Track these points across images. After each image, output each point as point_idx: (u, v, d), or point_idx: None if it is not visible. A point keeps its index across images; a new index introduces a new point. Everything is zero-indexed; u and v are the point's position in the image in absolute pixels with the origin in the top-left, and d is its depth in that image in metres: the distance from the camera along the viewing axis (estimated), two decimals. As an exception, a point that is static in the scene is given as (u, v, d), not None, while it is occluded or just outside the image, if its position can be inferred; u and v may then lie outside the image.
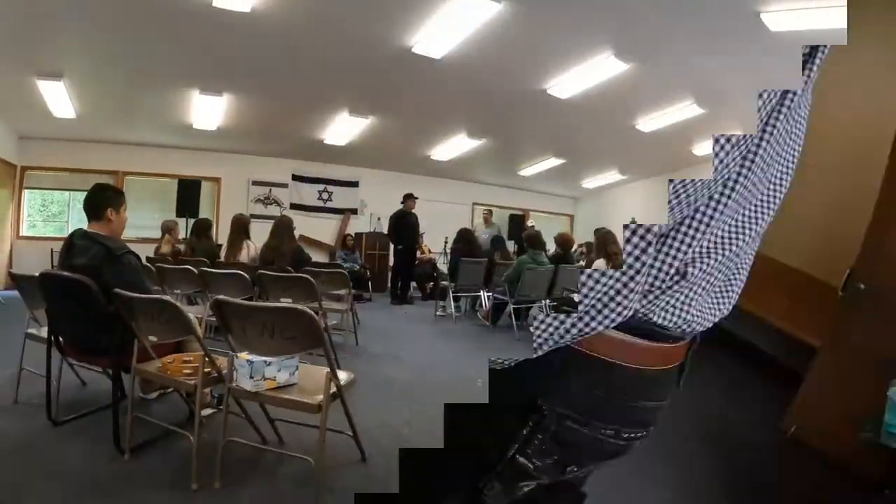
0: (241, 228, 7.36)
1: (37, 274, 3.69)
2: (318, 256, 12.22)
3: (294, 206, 14.01)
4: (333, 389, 2.80)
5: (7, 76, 9.20)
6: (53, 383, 3.76)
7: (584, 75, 8.94)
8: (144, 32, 7.91)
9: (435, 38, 7.88)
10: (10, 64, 8.81)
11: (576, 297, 5.72)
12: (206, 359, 2.97)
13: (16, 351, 4.22)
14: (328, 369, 2.77)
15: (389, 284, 11.69)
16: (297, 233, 7.29)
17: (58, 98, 9.90)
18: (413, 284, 12.25)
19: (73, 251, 3.52)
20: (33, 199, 12.75)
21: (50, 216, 13.02)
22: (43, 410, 3.73)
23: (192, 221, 9.48)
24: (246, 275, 5.52)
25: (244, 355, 2.91)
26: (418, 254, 12.27)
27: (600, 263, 7.01)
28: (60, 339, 3.70)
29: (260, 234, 7.46)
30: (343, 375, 2.95)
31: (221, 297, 2.83)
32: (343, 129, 12.04)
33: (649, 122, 11.19)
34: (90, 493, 2.87)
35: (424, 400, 4.70)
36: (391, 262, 11.97)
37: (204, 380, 3.00)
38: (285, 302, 5.14)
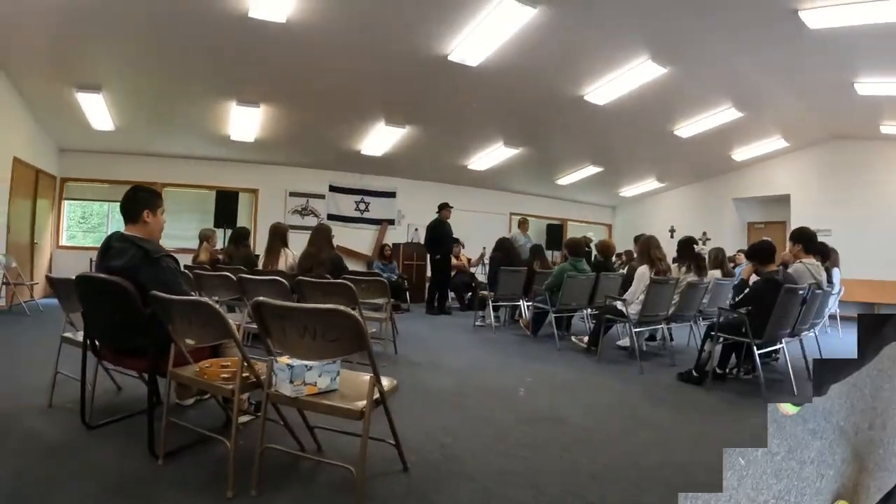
0: (279, 236, 7.30)
1: (72, 277, 3.63)
2: (355, 267, 12.21)
3: (331, 217, 14.01)
4: (376, 395, 2.69)
5: (48, 89, 9.39)
6: (88, 387, 3.71)
7: (621, 80, 8.89)
8: (181, 45, 8.03)
9: (471, 46, 7.85)
10: (50, 77, 8.99)
11: (618, 304, 5.59)
12: (245, 363, 2.86)
13: (52, 355, 4.20)
14: (371, 375, 2.66)
15: (426, 295, 11.56)
16: (335, 243, 7.18)
17: (97, 110, 10.06)
18: (451, 294, 12.16)
19: (109, 253, 3.46)
20: (73, 212, 12.96)
21: (90, 228, 13.19)
22: (77, 414, 3.69)
23: (230, 232, 9.46)
24: (284, 281, 5.44)
25: (284, 359, 2.81)
26: (454, 262, 12.12)
27: (644, 270, 6.82)
28: (96, 342, 3.64)
29: (297, 244, 7.39)
30: (385, 382, 2.83)
31: (261, 298, 2.71)
32: (379, 139, 12.03)
33: (687, 128, 11.12)
34: (121, 496, 2.80)
35: (466, 409, 4.58)
36: (429, 272, 11.82)
37: (242, 385, 2.90)
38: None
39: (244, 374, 2.90)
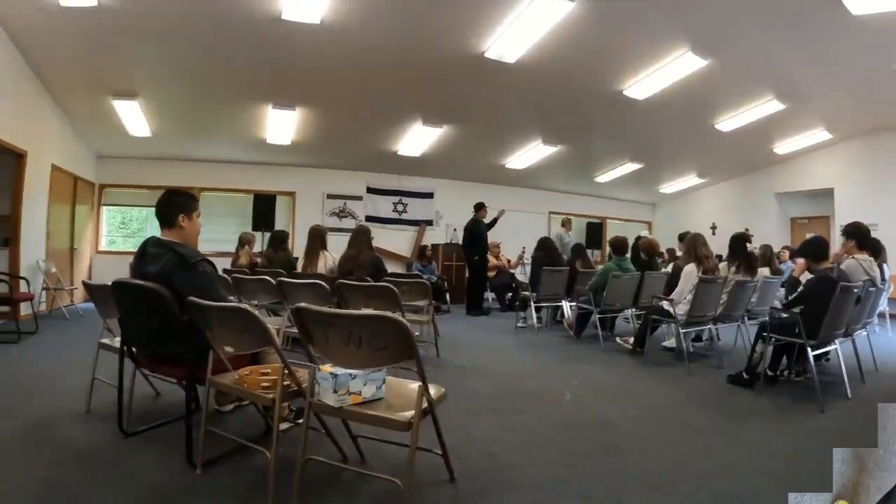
0: (318, 239, 7.22)
1: (109, 283, 3.56)
2: (394, 269, 12.11)
3: (369, 219, 13.96)
4: (424, 405, 2.54)
5: (84, 97, 9.52)
6: (125, 394, 3.65)
7: (660, 74, 8.72)
8: (215, 49, 8.05)
9: (508, 43, 7.73)
10: (86, 85, 9.10)
11: (664, 304, 5.40)
12: (286, 371, 2.75)
13: (91, 360, 4.19)
14: (419, 383, 2.52)
15: (466, 296, 11.44)
16: (373, 245, 7.09)
17: (133, 117, 10.20)
18: (491, 295, 12.03)
19: (145, 259, 3.39)
20: (113, 217, 13.10)
21: (129, 233, 13.33)
22: (114, 420, 3.64)
23: (268, 235, 9.42)
24: (325, 284, 5.34)
25: (327, 368, 2.69)
26: (494, 261, 12.05)
27: (691, 268, 6.62)
28: (133, 349, 3.58)
29: (336, 247, 7.33)
30: (433, 390, 2.68)
31: (302, 304, 2.59)
32: (416, 139, 11.96)
33: (728, 121, 10.91)
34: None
35: (512, 415, 4.44)
36: (468, 273, 11.69)
37: (283, 393, 2.78)
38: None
39: (285, 383, 2.78)
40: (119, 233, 13.46)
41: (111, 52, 8.06)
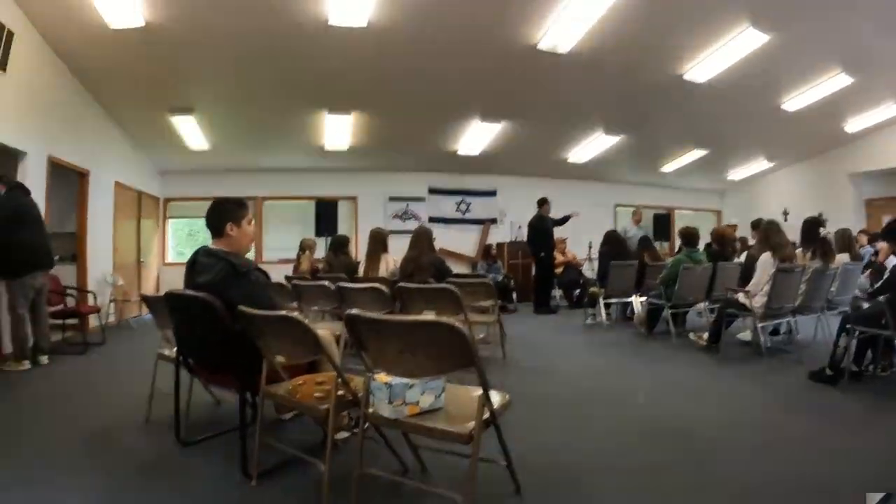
0: (378, 242, 7.15)
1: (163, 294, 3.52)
2: (459, 269, 12.01)
3: (432, 220, 13.81)
4: (486, 415, 2.37)
5: (143, 115, 9.78)
6: (182, 404, 3.65)
7: (720, 54, 8.38)
8: (264, 59, 8.10)
9: (559, 31, 7.54)
10: (144, 103, 9.34)
11: (740, 297, 5.10)
12: (339, 380, 2.61)
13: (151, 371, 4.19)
14: (480, 391, 2.33)
15: (533, 294, 11.27)
16: (436, 245, 6.94)
17: (191, 131, 10.40)
18: (559, 293, 11.86)
19: (196, 269, 3.33)
20: (180, 229, 13.34)
21: (197, 244, 13.47)
22: (173, 430, 3.62)
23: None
24: (385, 288, 5.23)
25: (382, 377, 2.53)
26: (561, 258, 11.87)
27: (767, 257, 6.30)
28: (189, 359, 3.54)
29: (400, 249, 7.17)
30: (496, 398, 2.50)
31: (354, 311, 2.44)
32: (476, 137, 11.82)
33: (795, 100, 10.42)
34: None
35: (583, 419, 4.24)
36: (534, 270, 11.53)
37: (337, 404, 2.65)
38: (428, 315, 4.77)
39: (339, 393, 2.65)
40: (187, 244, 13.69)
41: (163, 70, 8.19)
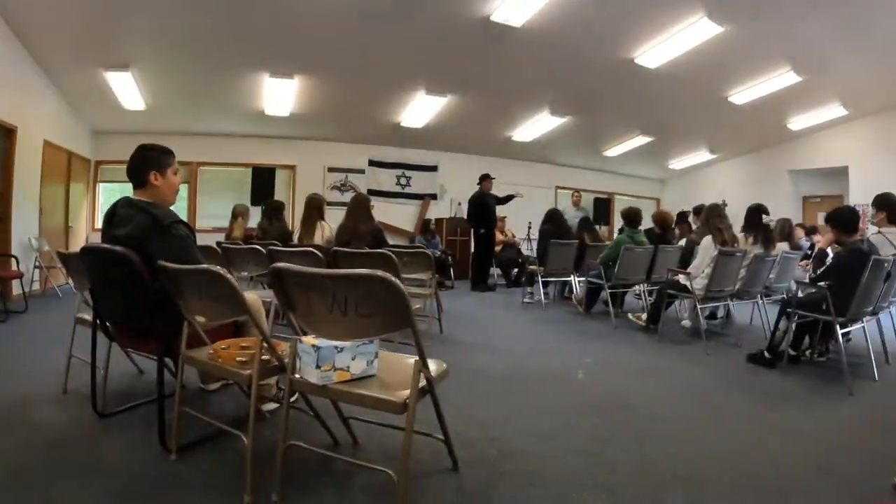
0: (314, 208, 6.91)
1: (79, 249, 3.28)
2: (396, 243, 11.84)
3: (371, 192, 13.45)
4: (422, 383, 2.21)
5: (77, 70, 9.20)
6: (101, 371, 3.43)
7: (674, 41, 8.37)
8: (206, 14, 7.71)
9: (514, 4, 7.35)
10: (79, 57, 8.80)
11: (680, 279, 5.07)
12: (265, 343, 2.41)
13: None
14: (416, 358, 2.17)
15: (471, 271, 11.19)
16: (375, 217, 6.73)
17: (127, 90, 9.91)
18: (497, 271, 11.82)
19: (114, 221, 3.06)
20: (112, 194, 12.71)
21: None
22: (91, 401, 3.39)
23: (264, 206, 9.13)
24: (319, 254, 5.02)
25: (310, 339, 2.33)
26: (500, 237, 11.84)
27: (709, 240, 6.35)
28: (108, 323, 3.29)
29: (338, 221, 6.93)
30: (433, 366, 2.34)
31: (281, 264, 2.24)
32: (420, 109, 11.60)
33: (742, 94, 10.58)
34: (126, 494, 2.45)
35: (522, 396, 4.12)
36: (472, 247, 11.48)
37: (262, 369, 2.45)
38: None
39: (264, 357, 2.45)
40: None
41: (100, 21, 7.70)
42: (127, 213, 3.02)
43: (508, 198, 11.21)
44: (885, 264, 4.85)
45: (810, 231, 9.87)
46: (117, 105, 10.43)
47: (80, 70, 9.17)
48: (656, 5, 7.59)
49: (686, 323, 6.97)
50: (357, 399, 2.27)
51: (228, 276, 2.39)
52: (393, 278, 2.02)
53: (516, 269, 11.80)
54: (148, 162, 3.13)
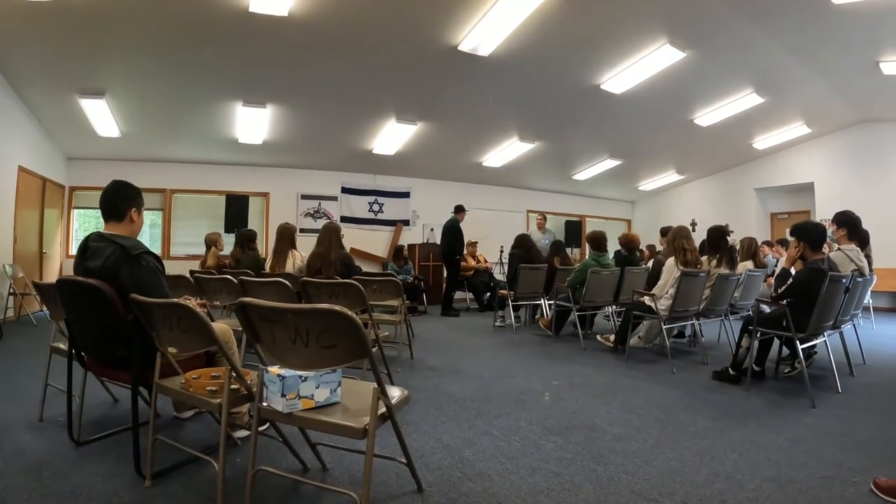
0: (286, 237, 7.02)
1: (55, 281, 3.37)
2: (369, 269, 11.94)
3: (344, 219, 13.71)
4: (383, 409, 2.32)
5: (52, 96, 9.25)
6: (76, 399, 3.52)
7: (638, 67, 8.63)
8: (181, 44, 7.80)
9: (481, 34, 7.55)
10: (54, 83, 8.84)
11: (645, 300, 5.22)
12: (233, 373, 2.52)
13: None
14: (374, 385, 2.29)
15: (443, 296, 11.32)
16: (348, 246, 6.81)
17: (101, 117, 9.92)
18: (469, 295, 11.93)
19: (86, 254, 3.16)
20: (86, 221, 12.69)
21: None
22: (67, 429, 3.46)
23: (238, 235, 9.20)
24: (289, 283, 5.10)
25: (275, 370, 2.44)
26: (473, 263, 12.03)
27: (671, 262, 6.53)
28: (83, 353, 3.37)
29: (311, 248, 7.03)
30: (395, 392, 2.47)
31: (247, 298, 2.36)
32: (391, 137, 11.74)
33: (707, 116, 10.90)
34: None
35: (489, 418, 4.20)
36: (445, 273, 11.59)
37: (232, 398, 2.56)
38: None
39: (233, 387, 2.55)
40: (93, 235, 13.06)
41: (74, 46, 7.73)
42: (98, 246, 3.12)
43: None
44: (843, 280, 5.03)
45: (782, 242, 9.98)
46: (92, 132, 10.46)
47: (55, 96, 9.22)
48: (619, 33, 7.82)
49: (634, 341, 6.99)
50: (321, 426, 2.37)
51: (198, 310, 2.50)
52: (349, 313, 2.13)
53: (488, 294, 11.91)
54: (130, 199, 3.29)
